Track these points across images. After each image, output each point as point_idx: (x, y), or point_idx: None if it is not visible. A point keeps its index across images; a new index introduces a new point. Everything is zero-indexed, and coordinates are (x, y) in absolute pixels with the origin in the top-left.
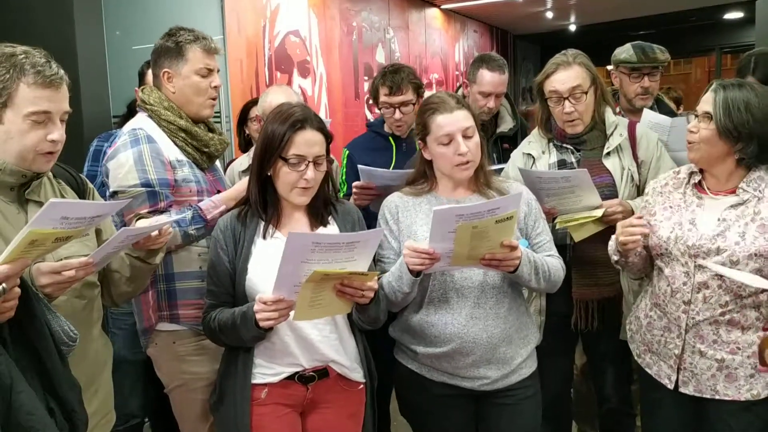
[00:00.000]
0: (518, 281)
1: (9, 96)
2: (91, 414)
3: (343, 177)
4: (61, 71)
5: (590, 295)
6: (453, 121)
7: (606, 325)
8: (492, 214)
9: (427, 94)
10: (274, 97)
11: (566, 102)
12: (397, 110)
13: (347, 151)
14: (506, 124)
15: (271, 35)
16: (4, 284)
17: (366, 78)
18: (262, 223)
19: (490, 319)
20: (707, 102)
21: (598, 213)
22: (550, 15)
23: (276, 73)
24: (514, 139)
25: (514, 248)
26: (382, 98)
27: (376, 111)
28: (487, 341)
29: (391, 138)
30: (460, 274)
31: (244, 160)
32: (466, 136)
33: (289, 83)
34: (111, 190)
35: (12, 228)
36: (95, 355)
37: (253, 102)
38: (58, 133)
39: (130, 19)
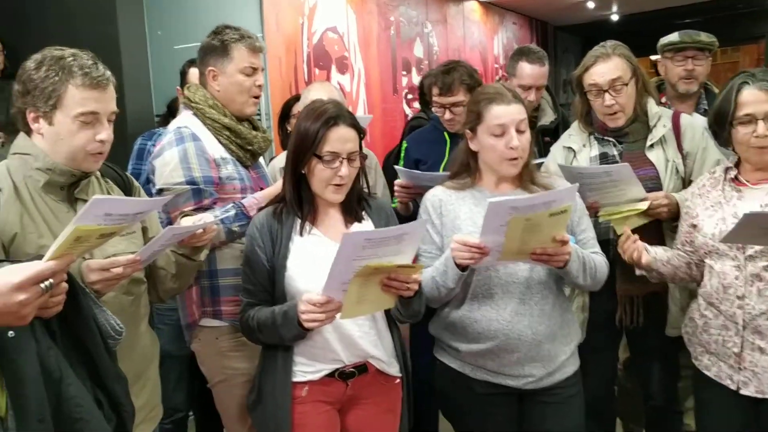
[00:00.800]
0: (565, 277)
1: (59, 98)
2: (139, 407)
3: None
4: (108, 72)
5: (635, 291)
6: (509, 112)
7: (651, 321)
8: (547, 207)
9: None
10: (315, 94)
11: (606, 95)
12: (448, 110)
13: (405, 144)
14: (547, 117)
15: (309, 32)
16: (51, 279)
17: (404, 73)
18: (298, 220)
19: (536, 316)
20: (764, 102)
21: (643, 206)
22: (591, 5)
23: (314, 69)
24: (555, 132)
25: (565, 243)
26: (434, 98)
27: (415, 106)
28: (532, 338)
29: (446, 133)
30: (505, 269)
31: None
32: (518, 131)
33: (328, 79)
34: (157, 187)
35: (62, 226)
36: (143, 350)
37: (295, 99)
38: (106, 133)
39: (171, 19)
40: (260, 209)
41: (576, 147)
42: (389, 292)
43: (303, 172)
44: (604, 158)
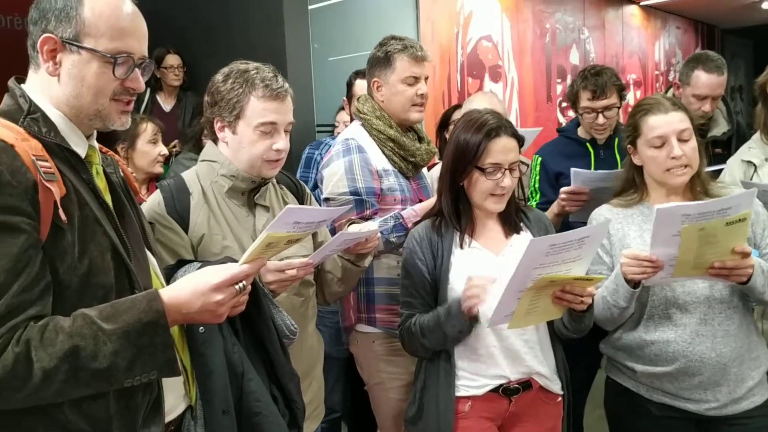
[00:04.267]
0: (750, 294)
1: (242, 108)
2: (306, 405)
3: (536, 185)
4: (286, 84)
5: None
6: (667, 122)
7: None
8: (722, 214)
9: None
10: (479, 105)
11: None
12: (601, 115)
13: (540, 158)
14: (719, 128)
15: (464, 41)
16: (244, 281)
17: (559, 80)
18: (457, 233)
19: (719, 337)
20: None
21: None
22: (766, 5)
23: (468, 78)
24: (728, 144)
25: (746, 255)
26: (585, 102)
27: (569, 114)
28: (716, 361)
29: (588, 144)
30: (682, 288)
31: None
32: (681, 140)
33: (480, 88)
34: (324, 196)
35: (242, 229)
36: (310, 350)
37: (454, 108)
38: (283, 143)
39: (328, 32)
40: (417, 222)
41: (757, 161)
42: (560, 305)
43: (462, 184)
44: None
